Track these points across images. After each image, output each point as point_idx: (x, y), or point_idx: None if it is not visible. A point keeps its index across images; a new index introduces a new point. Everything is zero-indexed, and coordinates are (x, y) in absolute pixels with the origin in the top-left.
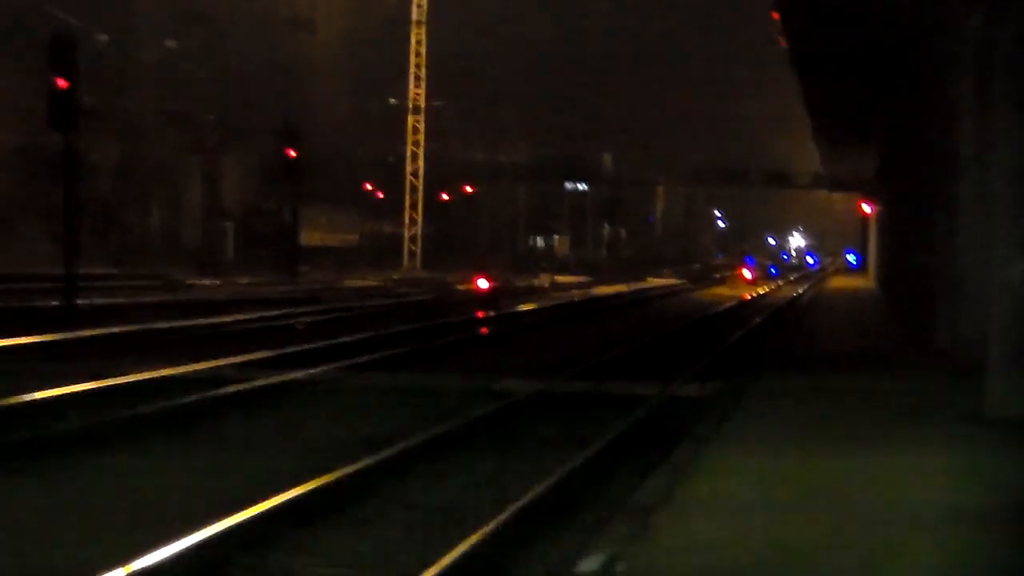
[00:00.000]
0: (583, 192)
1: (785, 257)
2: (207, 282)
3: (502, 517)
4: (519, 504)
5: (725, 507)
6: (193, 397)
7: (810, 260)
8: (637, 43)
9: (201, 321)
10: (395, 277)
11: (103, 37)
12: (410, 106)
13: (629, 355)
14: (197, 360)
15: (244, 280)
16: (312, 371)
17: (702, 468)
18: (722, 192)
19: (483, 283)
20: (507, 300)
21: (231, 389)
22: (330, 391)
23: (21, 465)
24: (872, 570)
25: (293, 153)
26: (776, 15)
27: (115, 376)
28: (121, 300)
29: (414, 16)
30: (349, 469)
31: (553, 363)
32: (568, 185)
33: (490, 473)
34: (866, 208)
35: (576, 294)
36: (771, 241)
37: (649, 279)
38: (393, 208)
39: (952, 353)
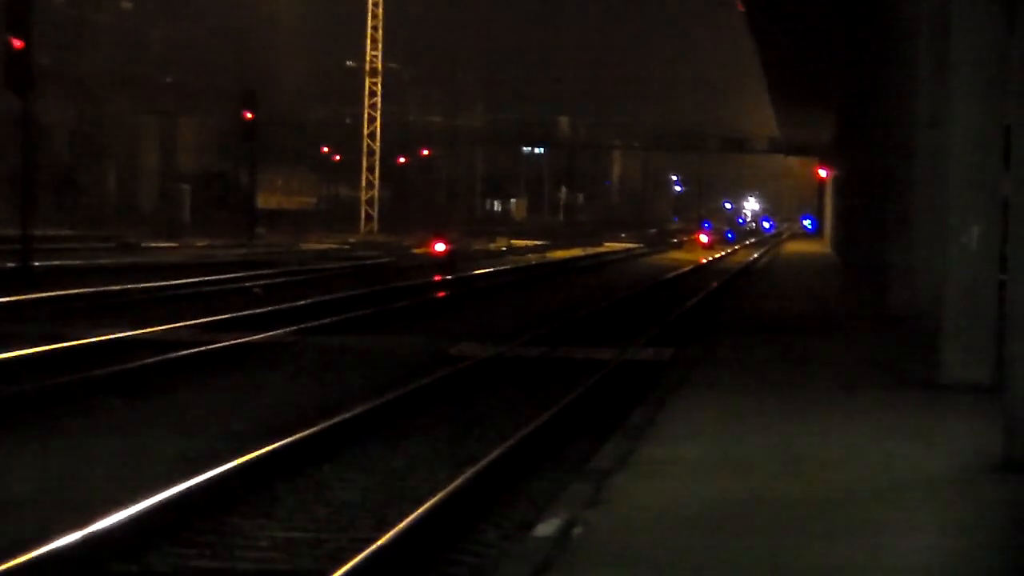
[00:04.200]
0: (540, 156)
1: (741, 222)
2: (163, 245)
3: (458, 481)
4: (475, 468)
5: (680, 473)
6: (148, 360)
7: (766, 225)
8: (594, 6)
9: (157, 284)
10: (352, 240)
11: None
12: (367, 68)
13: (586, 319)
14: (153, 323)
15: (201, 243)
16: (268, 334)
17: (658, 432)
18: (679, 156)
19: (440, 247)
20: (464, 264)
21: (187, 352)
22: (287, 354)
23: None
24: (829, 534)
25: (249, 116)
26: None
27: (69, 339)
28: (77, 262)
29: None
30: (306, 432)
31: (510, 327)
32: (525, 149)
33: (447, 437)
34: (822, 173)
35: (533, 258)
36: (727, 206)
37: (606, 243)
38: (350, 171)
39: (906, 319)
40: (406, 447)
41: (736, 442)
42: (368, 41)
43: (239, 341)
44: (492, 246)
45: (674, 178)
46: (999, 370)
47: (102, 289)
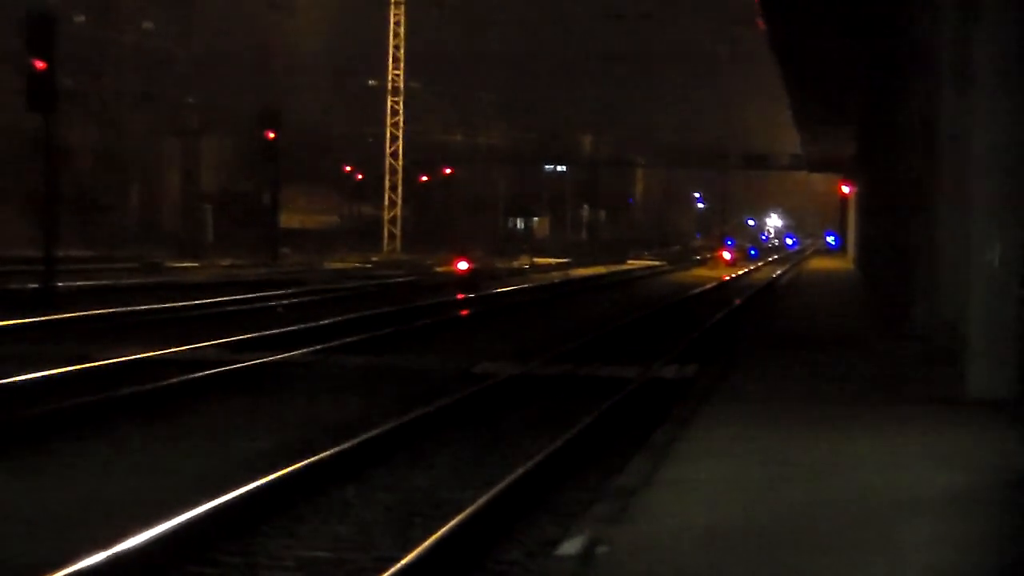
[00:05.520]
0: (562, 174)
1: (764, 238)
2: (187, 264)
3: (482, 500)
4: (499, 487)
5: (705, 490)
6: (172, 380)
7: (789, 241)
8: (616, 24)
9: (180, 303)
10: (375, 259)
11: (81, 18)
12: (389, 87)
13: (609, 337)
14: (177, 343)
15: (224, 262)
16: (292, 353)
17: (682, 449)
18: (701, 173)
19: (463, 265)
20: (487, 282)
21: (210, 372)
22: (311, 374)
23: None
24: (852, 551)
25: (272, 135)
26: None
27: (93, 359)
28: (100, 283)
29: None
30: (330, 451)
31: (533, 345)
32: (548, 167)
33: (470, 456)
34: (845, 189)
35: (555, 276)
36: (750, 223)
37: (629, 261)
38: (373, 190)
39: (930, 335)
40: (430, 466)
41: (760, 460)
42: (390, 60)
43: (262, 360)
44: (515, 264)
45: (696, 195)
46: (1023, 386)
47: (125, 309)
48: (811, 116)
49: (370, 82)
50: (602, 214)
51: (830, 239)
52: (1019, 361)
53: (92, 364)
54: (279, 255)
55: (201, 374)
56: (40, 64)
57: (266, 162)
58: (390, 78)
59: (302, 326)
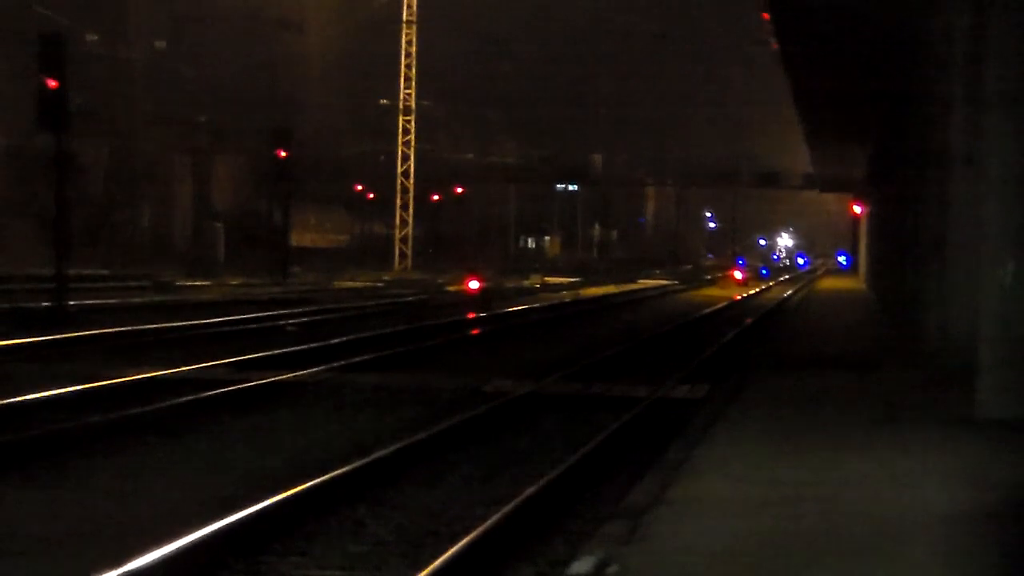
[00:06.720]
0: (574, 193)
1: (775, 258)
2: (198, 283)
3: (494, 519)
4: (510, 506)
5: (715, 510)
6: (183, 399)
7: (800, 261)
8: (628, 44)
9: (192, 322)
10: (386, 278)
11: (93, 37)
12: (400, 106)
13: (620, 356)
14: (188, 362)
15: (235, 281)
16: (303, 372)
17: (693, 469)
18: (713, 193)
19: (474, 284)
20: (498, 301)
21: (222, 391)
22: (322, 393)
23: (11, 468)
24: (866, 571)
25: (283, 154)
26: (767, 16)
27: (104, 378)
28: (112, 301)
29: (404, 16)
30: (341, 470)
31: (544, 364)
32: (559, 186)
33: (482, 474)
34: (857, 209)
35: (567, 295)
36: (761, 242)
37: (640, 280)
38: (383, 209)
39: (942, 354)
40: (441, 484)
41: (772, 480)
42: (401, 79)
43: (274, 379)
44: (526, 283)
45: (708, 214)
46: None
47: (136, 328)
48: (823, 136)
49: (382, 101)
50: (613, 233)
51: (841, 259)
52: None
53: (103, 383)
54: (290, 274)
55: (213, 393)
56: (52, 83)
57: (277, 181)
58: (401, 97)
59: (313, 345)
